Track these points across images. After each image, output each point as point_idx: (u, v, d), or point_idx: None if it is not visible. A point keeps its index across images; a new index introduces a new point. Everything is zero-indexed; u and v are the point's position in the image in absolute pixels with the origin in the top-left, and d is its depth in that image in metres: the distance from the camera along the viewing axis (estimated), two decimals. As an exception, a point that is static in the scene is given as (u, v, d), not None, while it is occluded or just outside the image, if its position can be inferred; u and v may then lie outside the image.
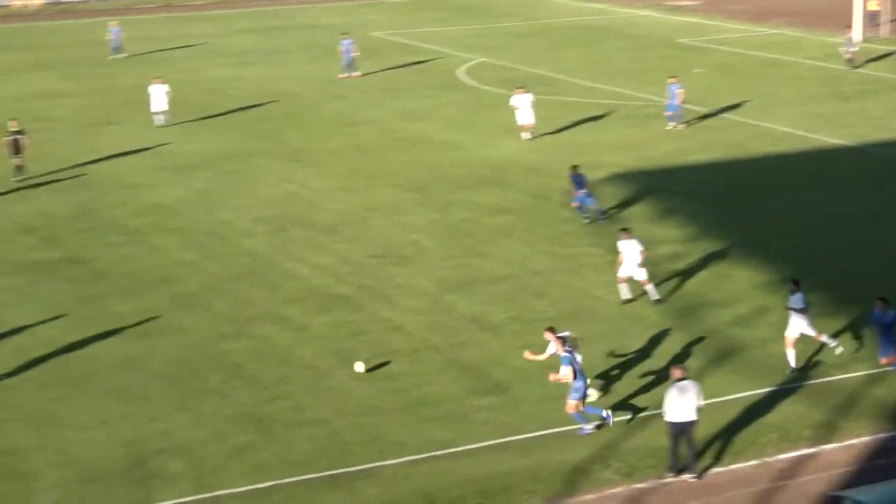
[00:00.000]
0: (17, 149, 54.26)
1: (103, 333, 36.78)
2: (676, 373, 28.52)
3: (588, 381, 30.92)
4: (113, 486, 28.26)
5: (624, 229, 39.98)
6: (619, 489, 27.95)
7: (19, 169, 54.34)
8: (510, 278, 40.96)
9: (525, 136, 57.78)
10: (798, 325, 33.46)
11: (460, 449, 29.73)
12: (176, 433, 30.71)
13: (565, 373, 30.12)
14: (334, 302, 39.27)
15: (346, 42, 77.53)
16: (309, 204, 49.93)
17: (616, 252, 38.82)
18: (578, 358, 30.67)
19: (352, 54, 77.26)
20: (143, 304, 39.30)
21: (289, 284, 40.95)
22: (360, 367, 33.60)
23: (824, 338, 33.79)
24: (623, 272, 38.77)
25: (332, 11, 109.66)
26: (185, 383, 33.52)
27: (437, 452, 29.57)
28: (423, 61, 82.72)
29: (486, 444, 29.92)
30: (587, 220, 45.92)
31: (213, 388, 33.16)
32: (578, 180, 46.26)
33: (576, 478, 28.33)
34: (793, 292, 33.56)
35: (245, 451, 29.73)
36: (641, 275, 38.71)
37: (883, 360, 32.94)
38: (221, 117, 66.46)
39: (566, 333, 31.54)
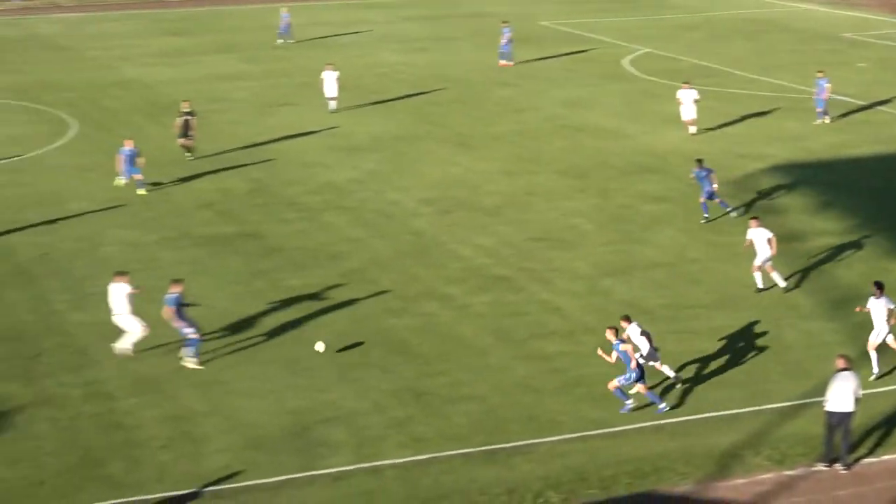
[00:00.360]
0: (186, 129, 54.66)
1: (274, 306, 37.25)
2: (840, 363, 27.93)
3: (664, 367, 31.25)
4: (278, 452, 28.60)
5: (754, 217, 39.48)
6: (769, 475, 27.55)
7: (187, 149, 54.76)
8: (666, 265, 40.58)
9: (691, 129, 56.99)
10: (882, 330, 32.28)
11: (614, 429, 29.56)
12: (339, 404, 30.97)
13: (614, 358, 30.24)
14: (495, 282, 39.26)
15: (505, 31, 77.32)
16: (473, 187, 49.96)
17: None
18: (644, 348, 30.89)
19: (508, 43, 76.97)
20: (313, 279, 39.69)
21: (452, 264, 41.04)
22: (321, 346, 33.29)
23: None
24: (756, 261, 38.18)
25: (503, 0, 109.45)
26: (350, 356, 33.78)
27: (591, 432, 29.43)
28: (589, 50, 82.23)
29: (640, 426, 29.71)
30: (704, 220, 44.86)
31: (376, 362, 33.37)
32: (703, 174, 45.19)
33: (727, 462, 27.99)
34: (877, 297, 32.26)
35: (405, 424, 29.88)
36: (764, 261, 38.06)
37: None
38: (391, 101, 66.80)
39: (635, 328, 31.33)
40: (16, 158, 55.22)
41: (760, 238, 38.02)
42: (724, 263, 40.69)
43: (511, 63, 76.61)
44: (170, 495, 26.89)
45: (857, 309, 33.06)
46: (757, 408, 30.59)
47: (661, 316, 36.34)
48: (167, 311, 33.25)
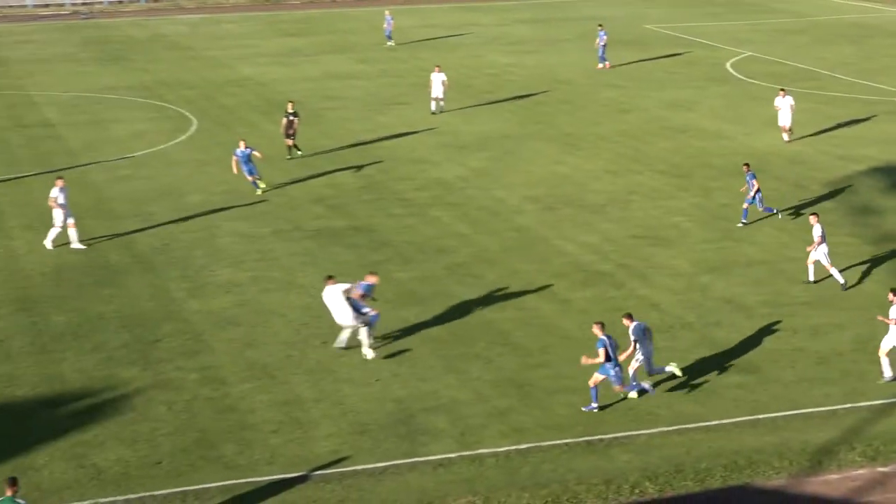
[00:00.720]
0: (290, 129, 54.54)
1: (383, 297, 37.32)
2: None
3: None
4: (382, 439, 28.73)
5: (814, 213, 39.18)
6: (862, 471, 27.19)
7: (290, 149, 54.73)
8: (766, 263, 40.16)
9: (785, 137, 56.11)
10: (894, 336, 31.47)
11: (710, 423, 29.33)
12: (442, 393, 31.04)
13: (602, 356, 29.85)
14: (596, 278, 39.13)
15: (601, 34, 76.89)
16: (578, 185, 49.81)
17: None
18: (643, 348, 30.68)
19: (604, 46, 76.51)
20: (420, 272, 39.82)
21: (556, 259, 40.95)
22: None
23: None
24: (812, 255, 38.05)
25: (609, 3, 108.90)
26: (454, 347, 33.84)
27: (688, 425, 29.23)
28: (693, 53, 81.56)
29: (735, 420, 29.46)
30: (741, 224, 44.04)
31: (479, 353, 33.40)
32: (750, 178, 43.97)
33: (821, 458, 27.66)
34: (893, 303, 31.43)
35: (506, 414, 29.87)
36: (821, 258, 37.83)
37: None
38: (500, 101, 66.76)
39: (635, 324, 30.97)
40: (139, 153, 56.01)
41: (816, 234, 37.96)
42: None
43: (607, 65, 76.15)
44: (279, 478, 27.13)
45: (879, 318, 32.39)
46: (852, 405, 30.19)
47: (759, 313, 35.98)
48: (355, 293, 33.57)
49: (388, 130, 59.96)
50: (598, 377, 29.98)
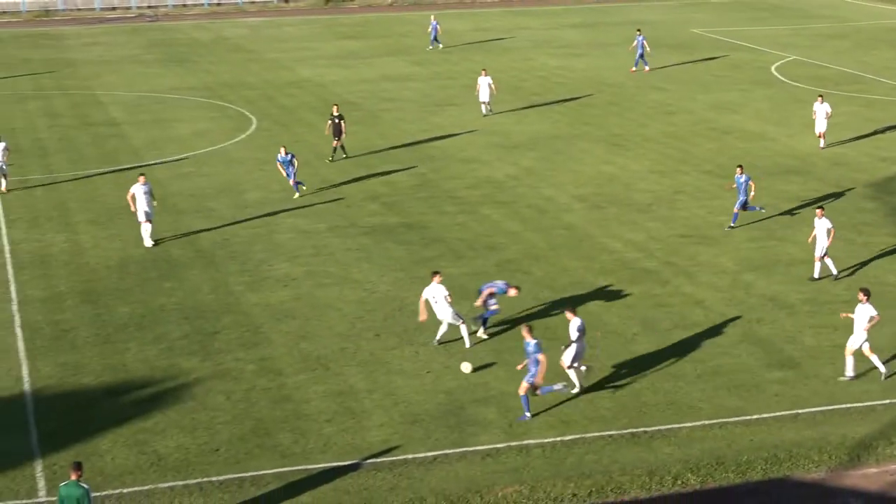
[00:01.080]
0: (337, 132, 54.06)
1: (433, 292, 37.47)
2: None
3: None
4: (433, 429, 28.78)
5: (820, 207, 39.27)
6: (901, 465, 27.03)
7: (336, 150, 54.29)
8: (807, 262, 39.84)
9: (821, 143, 55.48)
10: (861, 337, 31.08)
11: (751, 417, 29.20)
12: (492, 385, 31.05)
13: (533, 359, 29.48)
14: (642, 275, 39.01)
15: (639, 38, 76.50)
16: (624, 184, 49.68)
17: None
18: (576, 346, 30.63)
19: (641, 49, 76.24)
20: (471, 268, 39.82)
21: (602, 257, 40.86)
22: (467, 367, 32.16)
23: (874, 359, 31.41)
24: (817, 251, 38.12)
25: (657, 9, 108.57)
26: (503, 341, 33.84)
27: (729, 419, 29.11)
28: (739, 57, 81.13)
29: (776, 414, 29.31)
30: (730, 228, 43.43)
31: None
32: (742, 181, 43.16)
33: (859, 452, 27.47)
34: (863, 302, 31.07)
35: (552, 406, 29.83)
36: (820, 251, 38.08)
37: None
38: (549, 103, 66.66)
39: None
40: (201, 151, 56.33)
41: (822, 228, 37.92)
42: (863, 262, 39.88)
43: (641, 69, 75.80)
44: (333, 465, 27.23)
45: (843, 315, 32.13)
46: (890, 401, 29.97)
47: (800, 310, 35.79)
48: (488, 290, 33.96)
49: (440, 131, 60.01)
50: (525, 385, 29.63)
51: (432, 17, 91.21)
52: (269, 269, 39.89)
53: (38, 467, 27.26)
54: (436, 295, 33.39)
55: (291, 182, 48.36)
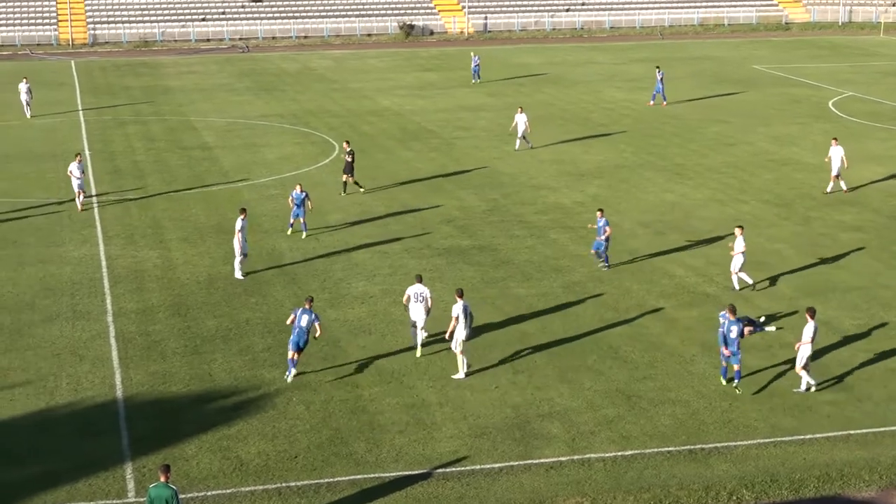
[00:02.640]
0: (349, 168, 52.13)
1: (503, 311, 37.34)
2: None
3: None
4: (499, 442, 28.64)
5: (739, 226, 39.92)
6: (950, 487, 26.52)
7: (346, 185, 52.52)
8: (861, 289, 39.37)
9: (830, 185, 52.92)
10: (805, 352, 30.88)
11: (804, 437, 28.80)
12: (556, 401, 30.87)
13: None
14: (702, 299, 38.66)
15: (659, 74, 75.88)
16: (686, 212, 49.32)
17: None
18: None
19: (660, 85, 75.57)
20: (539, 289, 39.66)
21: (664, 281, 40.55)
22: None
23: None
24: (734, 265, 39.29)
25: (721, 46, 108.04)
26: (568, 359, 33.65)
27: (784, 438, 28.73)
28: (798, 92, 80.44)
29: (829, 434, 28.88)
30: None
31: (591, 366, 33.17)
32: (601, 224, 41.29)
33: (909, 473, 27.03)
34: (808, 321, 30.95)
35: (614, 422, 29.62)
36: (736, 266, 39.25)
37: None
38: (615, 133, 66.41)
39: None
40: (287, 175, 56.63)
41: (738, 246, 39.06)
42: (916, 290, 39.39)
43: (659, 103, 75.11)
44: (404, 474, 27.18)
45: (796, 347, 31.49)
46: (941, 424, 29.48)
47: (854, 335, 35.29)
48: None
49: (512, 158, 59.93)
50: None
51: (472, 53, 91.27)
52: (348, 287, 39.97)
53: (129, 470, 27.44)
54: (418, 294, 33.88)
55: (301, 220, 45.92)
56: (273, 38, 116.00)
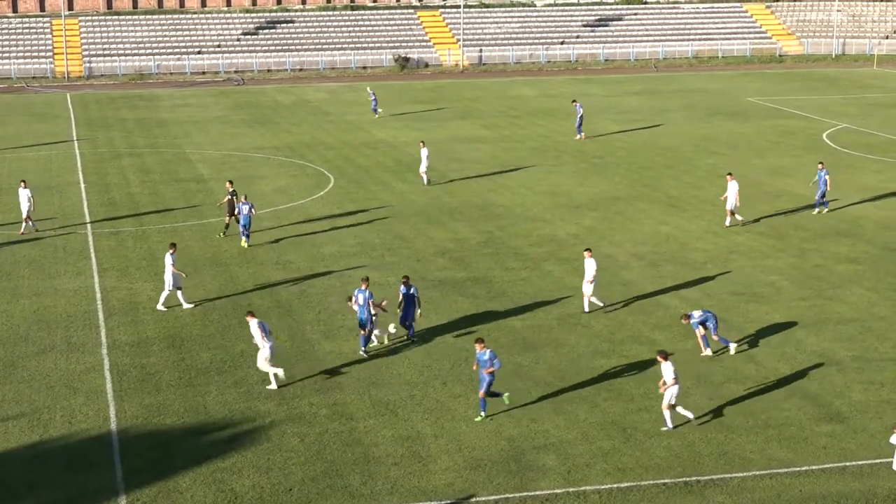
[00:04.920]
0: (231, 208, 50.86)
1: (498, 343, 37.23)
2: None
3: None
4: (495, 474, 28.56)
5: (587, 249, 40.51)
6: (945, 519, 26.43)
7: (228, 226, 51.32)
8: (856, 321, 39.38)
9: (735, 219, 53.08)
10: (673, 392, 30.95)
11: (800, 469, 28.74)
12: (551, 433, 30.81)
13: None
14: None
15: (578, 106, 76.00)
16: (680, 244, 49.37)
17: None
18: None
19: (580, 116, 75.55)
20: (533, 321, 39.64)
21: (658, 312, 40.55)
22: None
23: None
24: (585, 287, 40.24)
25: (715, 78, 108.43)
26: (563, 391, 33.60)
27: (779, 470, 28.67)
28: (792, 124, 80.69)
29: (824, 466, 28.82)
30: None
31: (586, 397, 33.12)
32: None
33: (905, 505, 26.96)
34: (663, 363, 31.08)
35: (609, 454, 29.56)
36: (588, 289, 40.13)
37: None
38: (610, 165, 66.56)
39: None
40: (282, 207, 56.67)
41: (590, 268, 39.88)
42: (911, 321, 39.40)
43: (583, 136, 75.17)
44: (399, 506, 27.14)
45: (661, 388, 31.39)
46: (937, 456, 29.41)
47: (849, 367, 35.27)
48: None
49: (507, 191, 60.02)
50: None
51: (368, 87, 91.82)
52: (343, 319, 39.92)
53: (123, 502, 27.33)
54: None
55: (242, 228, 48.84)
56: (268, 70, 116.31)
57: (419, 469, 28.91)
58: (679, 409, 31.20)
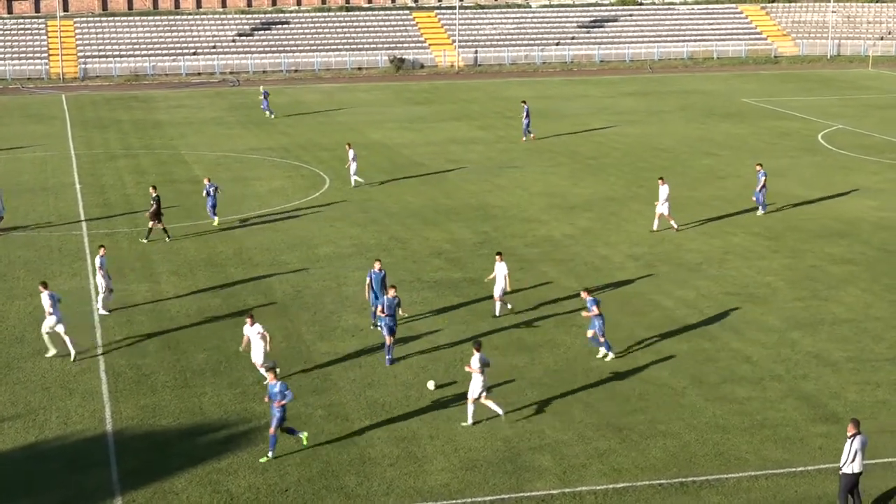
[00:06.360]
0: (154, 214, 50.36)
1: (493, 344, 37.27)
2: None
3: None
4: (490, 475, 28.58)
5: (499, 253, 40.55)
6: (941, 519, 26.48)
7: (161, 231, 50.80)
8: (852, 322, 39.44)
9: (654, 224, 53.12)
10: (478, 383, 31.16)
11: (796, 469, 28.79)
12: (547, 434, 30.84)
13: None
14: (691, 331, 38.69)
15: (526, 108, 75.98)
16: (676, 245, 49.41)
17: None
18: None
19: (527, 119, 75.50)
20: (529, 322, 39.61)
21: (654, 313, 40.59)
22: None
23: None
24: (496, 291, 40.08)
25: (711, 80, 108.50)
26: (558, 392, 33.63)
27: (775, 471, 28.72)
28: (788, 125, 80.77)
29: (820, 467, 28.87)
30: None
31: (582, 398, 33.16)
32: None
33: (900, 505, 27.01)
34: (475, 353, 31.33)
35: (605, 455, 29.59)
36: (499, 292, 40.00)
37: None
38: (606, 166, 66.61)
39: None
40: (277, 208, 56.69)
41: (500, 272, 39.77)
42: (906, 322, 39.46)
43: (531, 137, 75.25)
44: (394, 507, 27.16)
45: (467, 368, 31.64)
46: (932, 456, 29.48)
47: (844, 368, 35.32)
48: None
49: (502, 191, 60.06)
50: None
51: (261, 87, 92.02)
52: (339, 320, 39.95)
53: (118, 503, 27.33)
54: (251, 334, 34.12)
55: (209, 208, 53.03)
56: (264, 71, 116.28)
57: (415, 470, 28.93)
58: (489, 402, 31.38)
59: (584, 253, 48.22)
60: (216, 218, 53.18)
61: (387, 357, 35.79)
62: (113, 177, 64.72)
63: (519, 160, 68.38)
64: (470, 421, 31.35)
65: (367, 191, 60.22)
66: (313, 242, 50.03)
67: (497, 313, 40.24)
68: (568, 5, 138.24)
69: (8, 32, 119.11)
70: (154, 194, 50.89)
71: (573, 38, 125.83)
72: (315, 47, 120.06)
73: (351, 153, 61.60)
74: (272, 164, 68.18)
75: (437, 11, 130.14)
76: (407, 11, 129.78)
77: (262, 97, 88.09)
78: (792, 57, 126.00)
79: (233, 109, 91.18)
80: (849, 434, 26.04)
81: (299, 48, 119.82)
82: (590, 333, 36.27)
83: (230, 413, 32.34)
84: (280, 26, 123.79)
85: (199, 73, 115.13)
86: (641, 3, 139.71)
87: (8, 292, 43.40)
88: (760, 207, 54.79)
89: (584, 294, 36.12)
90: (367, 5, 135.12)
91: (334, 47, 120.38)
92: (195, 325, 39.71)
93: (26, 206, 57.27)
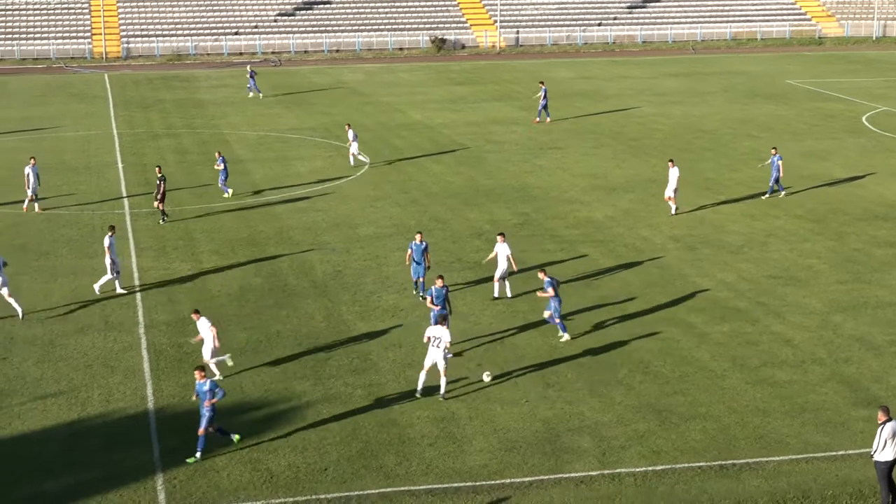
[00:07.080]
0: (159, 193, 50.16)
1: (533, 325, 37.27)
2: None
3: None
4: (529, 455, 28.59)
5: (501, 233, 40.34)
6: (983, 505, 26.25)
7: (162, 213, 50.53)
8: (894, 305, 39.12)
9: (671, 206, 52.75)
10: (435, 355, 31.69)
11: (837, 453, 28.65)
12: (586, 415, 30.80)
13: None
14: (732, 314, 38.51)
15: (543, 89, 75.35)
16: (717, 227, 49.17)
17: None
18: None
19: (544, 101, 74.94)
20: (568, 303, 39.42)
21: (695, 295, 40.43)
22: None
23: None
24: (497, 272, 39.99)
25: (754, 60, 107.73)
26: (598, 373, 33.58)
27: (816, 454, 28.58)
28: (832, 107, 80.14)
29: (861, 451, 28.68)
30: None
31: (621, 380, 33.09)
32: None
33: (943, 490, 26.77)
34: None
35: (645, 437, 29.53)
36: (499, 273, 40.07)
37: None
38: (648, 147, 66.32)
39: None
40: (318, 187, 56.80)
41: (502, 252, 39.75)
42: (950, 306, 39.11)
43: (544, 120, 74.67)
44: (434, 487, 27.15)
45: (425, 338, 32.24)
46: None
47: (887, 351, 35.08)
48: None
49: (543, 172, 59.93)
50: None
51: (248, 66, 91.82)
52: (379, 300, 40.03)
53: (159, 481, 27.53)
54: (202, 328, 33.39)
55: (221, 182, 54.69)
56: (305, 51, 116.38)
57: (454, 450, 28.97)
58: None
59: (625, 234, 48.08)
60: (230, 190, 54.77)
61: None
62: (155, 156, 64.99)
63: (560, 141, 68.18)
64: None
65: (405, 171, 60.21)
66: (354, 222, 50.10)
67: (496, 294, 40.15)
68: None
69: (51, 11, 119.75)
70: (160, 174, 50.81)
71: (615, 19, 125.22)
72: (357, 27, 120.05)
73: (351, 133, 61.91)
74: (313, 143, 68.31)
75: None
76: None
77: (248, 76, 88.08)
78: (836, 38, 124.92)
79: (274, 89, 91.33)
80: (879, 421, 25.85)
81: (341, 28, 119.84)
82: (546, 314, 36.44)
83: (270, 392, 32.49)
84: (322, 6, 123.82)
85: (241, 53, 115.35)
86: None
87: (51, 270, 43.73)
88: (780, 190, 54.29)
89: (541, 275, 36.42)
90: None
91: (376, 27, 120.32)
92: (236, 303, 39.89)
93: (70, 185, 57.63)
